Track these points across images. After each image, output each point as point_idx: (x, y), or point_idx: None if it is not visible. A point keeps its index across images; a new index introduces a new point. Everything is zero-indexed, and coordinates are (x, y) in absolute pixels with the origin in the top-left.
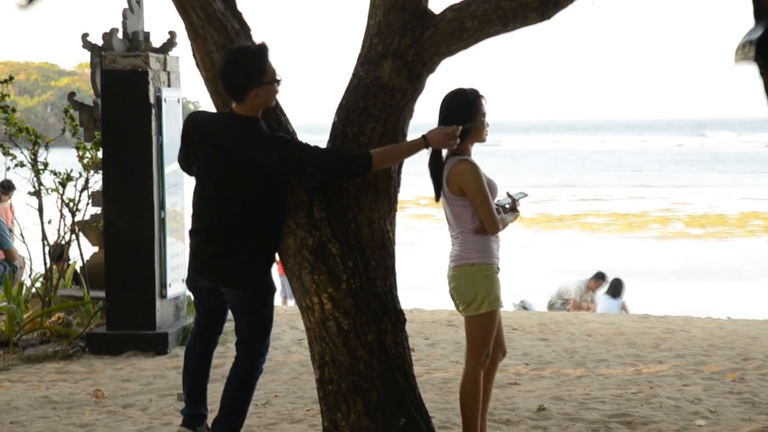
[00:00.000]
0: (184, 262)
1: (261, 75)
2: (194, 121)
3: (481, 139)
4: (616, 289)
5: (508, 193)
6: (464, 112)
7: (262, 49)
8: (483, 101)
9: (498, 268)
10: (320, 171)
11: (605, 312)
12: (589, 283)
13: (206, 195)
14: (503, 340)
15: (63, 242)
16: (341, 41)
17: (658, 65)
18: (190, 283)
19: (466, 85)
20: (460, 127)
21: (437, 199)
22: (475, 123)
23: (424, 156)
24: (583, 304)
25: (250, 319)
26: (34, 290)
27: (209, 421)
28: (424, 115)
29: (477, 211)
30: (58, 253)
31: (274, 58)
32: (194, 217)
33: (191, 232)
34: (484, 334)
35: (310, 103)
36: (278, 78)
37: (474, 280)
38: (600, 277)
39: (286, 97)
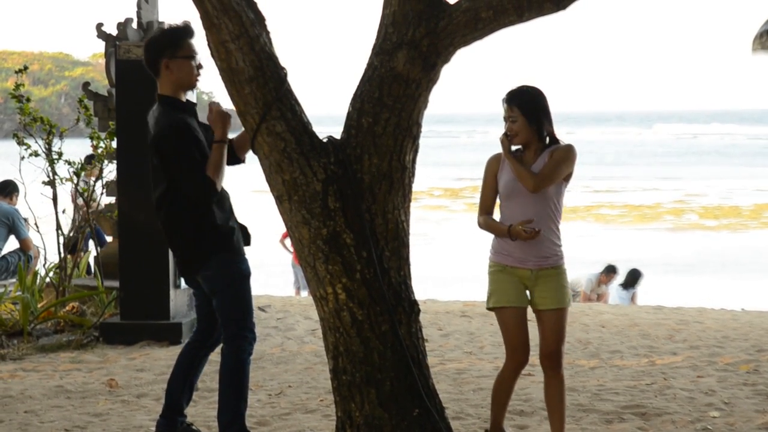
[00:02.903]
0: None
1: (174, 48)
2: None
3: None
4: (629, 279)
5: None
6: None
7: (182, 27)
8: (506, 106)
9: (505, 266)
10: (176, 175)
11: (616, 303)
12: (601, 277)
13: (153, 188)
14: (545, 342)
15: (75, 233)
16: (356, 31)
17: (660, 58)
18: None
19: (534, 84)
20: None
21: None
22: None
23: (436, 147)
24: (592, 297)
25: (221, 300)
26: (48, 280)
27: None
28: (439, 105)
29: None
30: (71, 244)
31: (198, 42)
32: None
33: None
34: (501, 330)
35: (325, 94)
36: (194, 55)
37: (488, 275)
38: (611, 270)
39: (301, 88)
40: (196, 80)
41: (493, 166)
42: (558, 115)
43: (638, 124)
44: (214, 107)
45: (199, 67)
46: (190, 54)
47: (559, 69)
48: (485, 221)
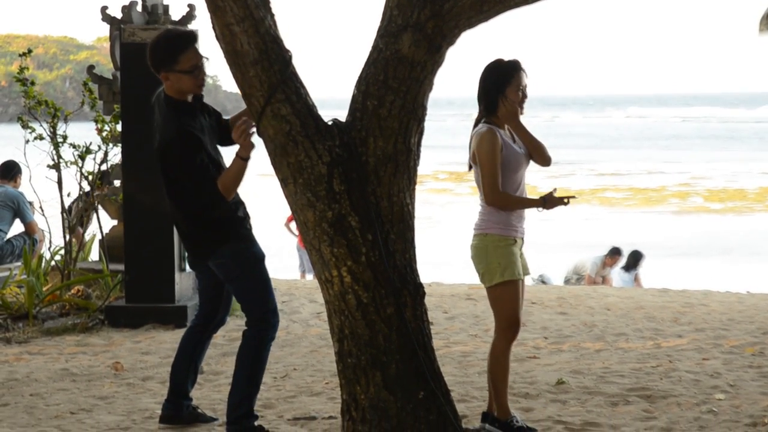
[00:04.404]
0: None
1: (170, 62)
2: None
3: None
4: (630, 261)
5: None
6: (496, 82)
7: (184, 36)
8: (520, 74)
9: (515, 240)
10: (181, 181)
11: (620, 285)
12: (606, 260)
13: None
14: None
15: (77, 205)
16: (361, 13)
17: (659, 41)
18: (189, 259)
19: (507, 57)
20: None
21: (469, 167)
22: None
23: (442, 131)
24: (597, 280)
25: (238, 287)
26: (53, 263)
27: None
28: (444, 88)
29: (482, 181)
30: (74, 223)
31: (201, 47)
32: None
33: None
34: (503, 306)
35: (330, 77)
36: (192, 70)
37: (486, 251)
38: (616, 252)
39: (305, 71)
40: (199, 88)
41: (497, 140)
42: (538, 99)
43: (613, 107)
44: (240, 126)
45: (202, 73)
46: (189, 69)
47: (527, 53)
48: (514, 197)
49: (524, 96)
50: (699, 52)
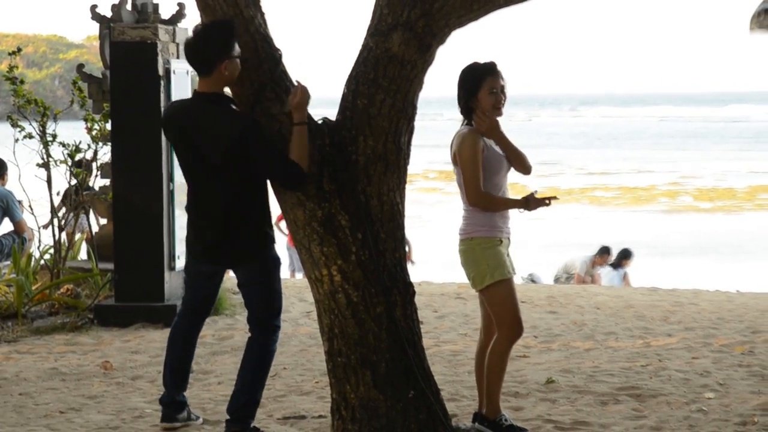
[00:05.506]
0: None
1: (230, 49)
2: (169, 111)
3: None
4: (618, 259)
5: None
6: (467, 87)
7: (230, 24)
8: (492, 77)
9: (501, 240)
10: (266, 166)
11: (607, 282)
12: (595, 259)
13: (196, 181)
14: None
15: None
16: (351, 12)
17: (651, 40)
18: (192, 267)
19: (482, 59)
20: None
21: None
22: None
23: (433, 128)
24: (587, 279)
25: (263, 294)
26: (42, 262)
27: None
28: (434, 87)
29: (464, 182)
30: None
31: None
32: (188, 203)
33: (188, 217)
34: (501, 306)
35: (320, 76)
36: (240, 57)
37: (474, 254)
38: (605, 251)
39: (296, 70)
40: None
41: (479, 141)
42: (526, 98)
43: (586, 106)
44: (300, 86)
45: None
46: (240, 53)
47: (502, 53)
48: (497, 198)
49: (503, 97)
50: (664, 53)
